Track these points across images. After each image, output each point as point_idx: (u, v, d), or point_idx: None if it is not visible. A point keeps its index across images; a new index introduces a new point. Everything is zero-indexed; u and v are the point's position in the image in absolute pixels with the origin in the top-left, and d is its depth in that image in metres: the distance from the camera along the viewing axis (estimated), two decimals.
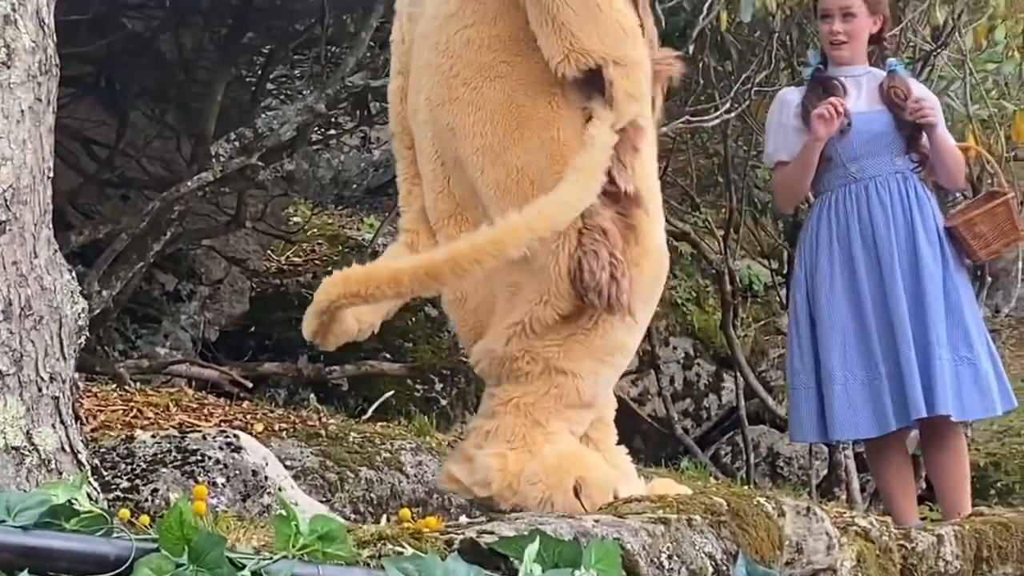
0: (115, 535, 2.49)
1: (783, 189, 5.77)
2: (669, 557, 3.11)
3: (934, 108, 5.51)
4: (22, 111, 3.62)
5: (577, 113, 3.70)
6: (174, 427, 5.29)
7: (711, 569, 3.22)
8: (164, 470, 4.32)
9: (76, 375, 3.86)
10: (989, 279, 10.15)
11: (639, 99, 3.65)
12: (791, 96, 5.66)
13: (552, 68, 3.63)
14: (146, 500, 4.18)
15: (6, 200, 3.56)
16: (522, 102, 3.72)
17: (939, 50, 8.44)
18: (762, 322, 11.08)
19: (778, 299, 10.30)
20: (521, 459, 3.65)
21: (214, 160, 6.61)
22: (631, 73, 3.61)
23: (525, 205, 3.59)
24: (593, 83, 3.65)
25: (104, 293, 6.14)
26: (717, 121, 7.84)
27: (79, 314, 3.88)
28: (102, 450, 4.59)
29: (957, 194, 7.66)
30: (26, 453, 3.53)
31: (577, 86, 3.67)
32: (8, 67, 3.56)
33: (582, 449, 3.83)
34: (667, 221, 8.94)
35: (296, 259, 9.62)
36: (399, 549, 2.65)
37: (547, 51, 3.62)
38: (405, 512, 3.00)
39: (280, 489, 4.28)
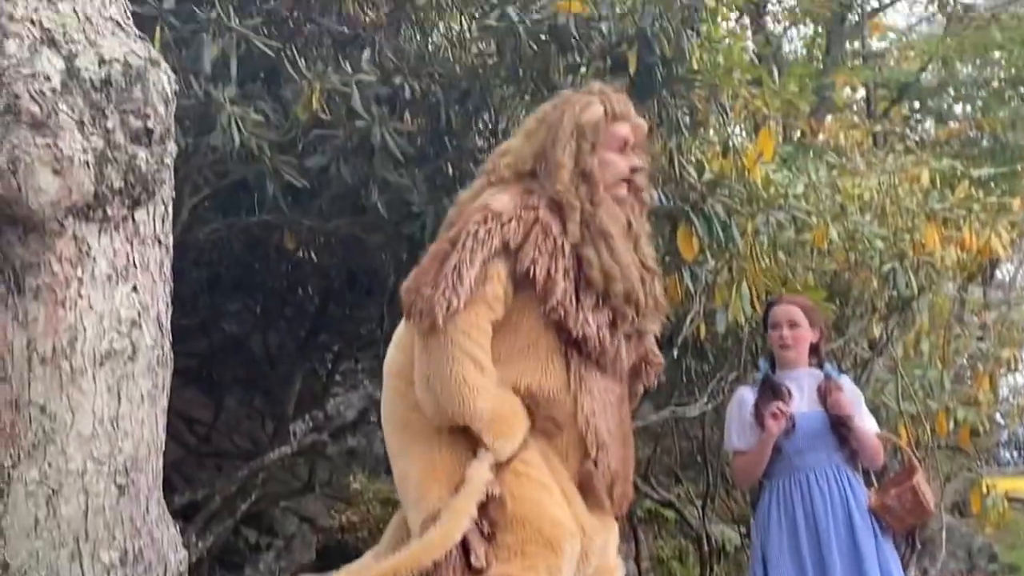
0: None
1: (742, 474, 5.75)
2: None
3: (851, 403, 5.52)
4: (142, 396, 3.66)
5: (460, 440, 3.51)
6: None
7: None
8: None
9: None
10: (919, 545, 10.02)
11: (509, 435, 3.42)
12: (747, 396, 5.67)
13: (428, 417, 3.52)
14: None
15: (127, 467, 3.58)
16: (415, 422, 3.59)
17: (875, 358, 8.49)
18: None
19: (745, 558, 10.15)
20: None
21: (292, 437, 6.64)
22: (488, 426, 3.41)
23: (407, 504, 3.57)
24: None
25: (200, 544, 6.09)
26: (697, 412, 7.84)
27: (180, 561, 3.86)
28: None
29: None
30: None
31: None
32: (133, 361, 3.61)
33: None
34: (656, 492, 8.99)
35: (355, 519, 9.51)
36: None
37: (417, 393, 3.52)
38: None
39: None
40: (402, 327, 3.76)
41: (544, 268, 3.48)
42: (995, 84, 16.79)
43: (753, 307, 6.40)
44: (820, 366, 5.78)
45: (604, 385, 3.64)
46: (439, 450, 3.53)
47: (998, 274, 16.14)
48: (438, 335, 3.39)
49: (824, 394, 5.60)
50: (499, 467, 3.45)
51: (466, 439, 3.49)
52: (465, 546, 3.39)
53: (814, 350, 5.77)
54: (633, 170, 3.75)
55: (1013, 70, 15.85)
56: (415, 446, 3.61)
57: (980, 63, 16.75)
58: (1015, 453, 27.71)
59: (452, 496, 3.42)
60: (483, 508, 3.41)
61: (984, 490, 9.40)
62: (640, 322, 3.73)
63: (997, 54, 16.17)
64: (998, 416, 12.92)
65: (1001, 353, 9.15)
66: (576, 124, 3.67)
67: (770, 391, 5.63)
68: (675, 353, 7.35)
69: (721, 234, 6.07)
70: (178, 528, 3.92)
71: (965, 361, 9.59)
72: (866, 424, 5.65)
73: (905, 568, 6.03)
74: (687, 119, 6.02)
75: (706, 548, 9.10)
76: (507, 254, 3.48)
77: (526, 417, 3.49)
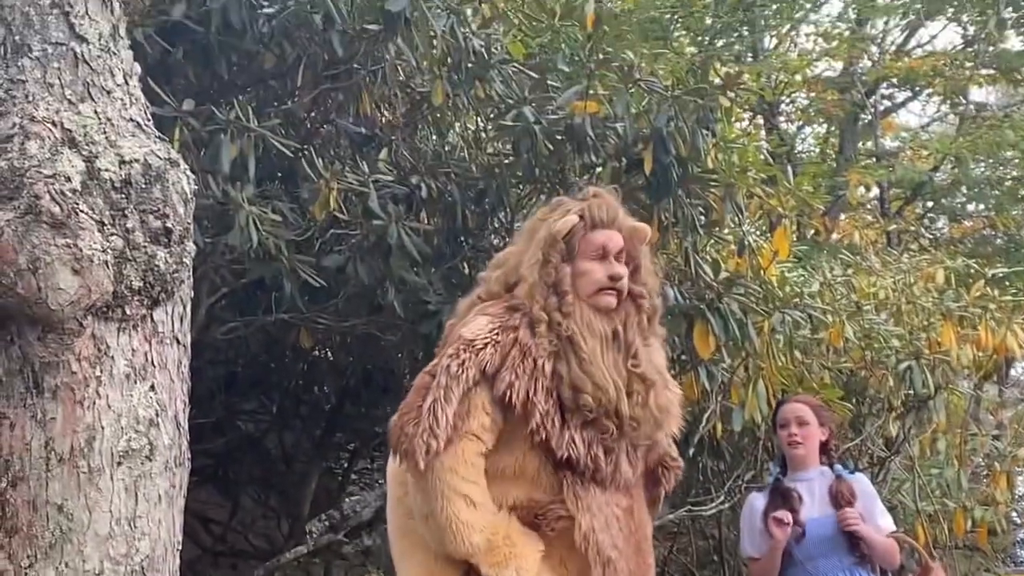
0: None
1: None
2: None
3: (859, 515, 5.44)
4: (159, 495, 3.64)
5: None
6: None
7: None
8: None
9: None
10: None
11: (504, 564, 3.31)
12: (757, 502, 5.62)
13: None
14: None
15: (143, 567, 3.55)
16: (414, 531, 3.54)
17: (892, 457, 8.45)
18: None
19: None
20: None
21: (308, 536, 6.58)
22: (483, 558, 3.32)
23: None
24: None
25: None
26: (713, 511, 7.79)
27: None
28: None
29: None
30: None
31: None
32: (151, 460, 3.60)
33: None
34: None
35: None
36: None
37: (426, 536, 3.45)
38: None
39: None
40: None
41: (522, 391, 3.37)
42: (1008, 183, 16.84)
43: (769, 405, 6.38)
44: (831, 466, 5.74)
45: (605, 499, 3.51)
46: (436, 560, 3.47)
47: (1013, 372, 16.06)
48: (425, 475, 3.32)
49: (835, 495, 5.56)
50: None
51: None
52: None
53: (824, 449, 5.73)
54: (612, 277, 3.58)
55: None
56: (414, 554, 3.57)
57: (993, 162, 16.81)
58: None
59: None
60: None
61: None
62: (632, 436, 3.54)
63: (1010, 153, 16.22)
64: (1015, 515, 12.82)
65: (1018, 452, 9.10)
66: (547, 235, 3.58)
67: (780, 497, 5.57)
68: (691, 452, 7.33)
69: (737, 332, 6.07)
70: None
71: (982, 460, 9.53)
72: (880, 524, 5.59)
73: None
74: (702, 218, 6.04)
75: None
76: (487, 381, 3.38)
77: (524, 538, 3.41)
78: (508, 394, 3.35)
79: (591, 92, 5.49)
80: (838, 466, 5.75)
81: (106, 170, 3.43)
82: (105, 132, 3.48)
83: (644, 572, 3.65)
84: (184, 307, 3.79)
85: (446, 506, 3.31)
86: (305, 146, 5.59)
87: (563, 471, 3.43)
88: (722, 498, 7.74)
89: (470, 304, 3.69)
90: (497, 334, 3.41)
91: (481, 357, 3.36)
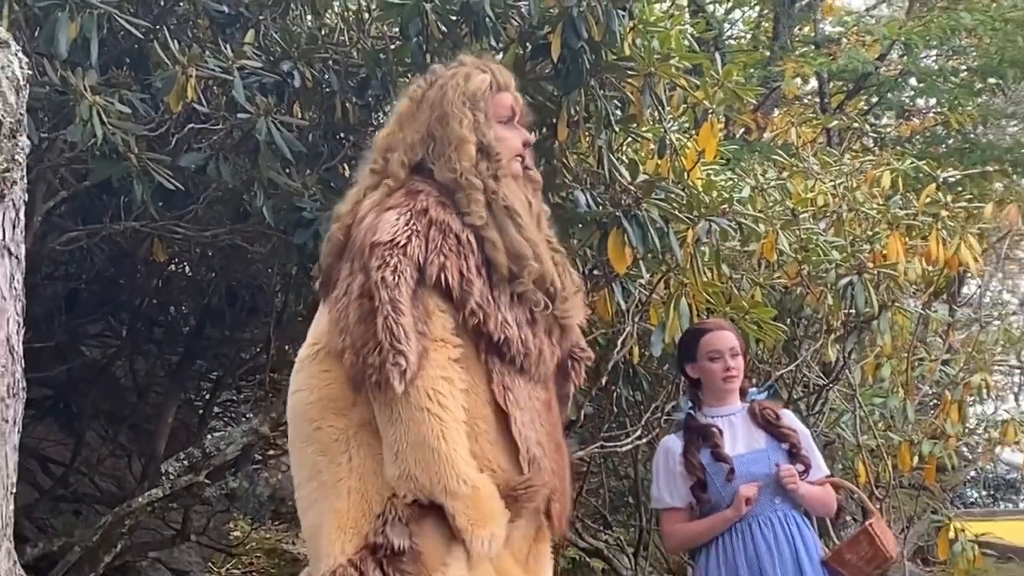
0: None
1: (678, 541, 5.74)
2: None
3: (796, 476, 5.55)
4: None
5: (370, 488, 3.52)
6: None
7: None
8: None
9: None
10: None
11: (487, 523, 3.41)
12: (674, 445, 5.69)
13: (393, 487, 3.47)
14: None
15: None
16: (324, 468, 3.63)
17: (831, 385, 8.58)
18: None
19: None
20: None
21: (164, 477, 6.58)
22: (464, 507, 3.39)
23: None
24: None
25: None
26: (629, 447, 7.87)
27: None
28: None
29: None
30: None
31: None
32: None
33: None
34: (580, 538, 9.02)
35: (235, 571, 9.49)
36: None
37: (386, 470, 3.48)
38: None
39: None
40: (305, 349, 3.76)
41: (456, 270, 3.49)
42: (963, 74, 17.02)
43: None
44: (743, 395, 5.83)
45: (529, 392, 3.64)
46: (353, 505, 3.52)
47: (967, 289, 16.35)
48: (403, 402, 3.38)
49: (762, 418, 5.65)
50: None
51: (376, 490, 3.48)
52: None
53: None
54: (525, 144, 3.80)
55: (984, 59, 16.07)
56: (326, 500, 3.60)
57: (946, 50, 16.97)
58: (983, 492, 28.17)
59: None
60: None
61: (952, 534, 9.51)
62: (560, 309, 3.71)
63: (965, 40, 16.39)
64: (966, 450, 13.09)
65: (971, 379, 9.27)
66: (464, 95, 3.71)
67: (698, 435, 5.65)
68: (604, 381, 7.39)
69: (657, 243, 6.11)
70: None
71: (930, 388, 9.72)
72: (815, 470, 5.71)
73: None
74: (618, 113, 6.06)
75: None
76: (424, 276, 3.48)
77: (500, 502, 3.48)
78: (443, 278, 3.45)
79: None
80: (752, 391, 5.85)
81: None
82: None
83: (563, 471, 3.80)
84: (16, 212, 3.75)
85: (426, 434, 3.37)
86: (158, 26, 5.51)
87: (491, 358, 3.54)
88: (639, 432, 7.80)
89: (372, 191, 3.73)
90: (413, 223, 3.49)
91: (411, 253, 3.44)
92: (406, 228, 3.49)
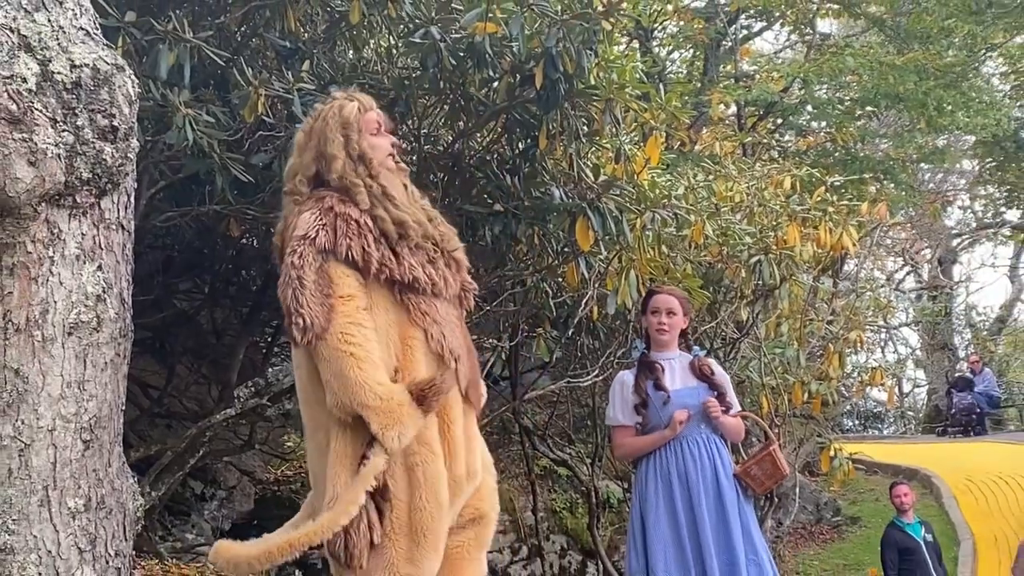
0: None
1: (625, 452, 5.79)
2: None
3: (719, 408, 5.59)
4: (106, 362, 3.63)
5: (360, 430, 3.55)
6: None
7: None
8: None
9: (133, 552, 3.79)
10: (776, 500, 10.20)
11: (395, 424, 3.44)
12: (627, 377, 5.75)
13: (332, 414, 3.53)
14: None
15: (91, 425, 3.55)
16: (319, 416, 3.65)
17: (742, 338, 8.61)
18: (616, 526, 11.04)
19: (627, 510, 10.25)
20: None
21: (236, 400, 6.58)
22: (377, 413, 3.43)
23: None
24: None
25: (153, 494, 6.03)
26: (589, 383, 7.90)
27: (138, 508, 3.83)
28: None
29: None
30: None
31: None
32: (98, 331, 3.58)
33: None
34: (551, 452, 9.03)
35: (288, 473, 9.48)
36: None
37: (327, 401, 3.54)
38: None
39: None
40: None
41: (359, 247, 3.58)
42: (847, 103, 17.04)
43: (639, 292, 6.46)
44: (688, 349, 5.88)
45: (443, 310, 3.73)
46: (341, 439, 3.55)
47: (846, 267, 16.40)
48: (320, 346, 3.47)
49: (698, 369, 5.70)
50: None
51: (365, 430, 3.50)
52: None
53: (682, 335, 5.87)
54: (394, 145, 3.94)
55: (863, 92, 16.08)
56: (316, 434, 3.66)
57: (834, 84, 16.98)
58: (856, 421, 28.32)
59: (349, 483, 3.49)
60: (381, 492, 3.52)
61: (832, 453, 9.57)
62: (448, 247, 3.83)
63: (849, 77, 16.40)
64: (843, 389, 13.14)
65: (848, 335, 9.31)
66: (339, 121, 3.85)
67: (646, 368, 5.71)
68: (571, 332, 7.41)
69: (613, 228, 6.12)
70: (135, 479, 3.89)
71: (818, 341, 9.75)
72: (733, 408, 5.75)
73: (762, 521, 6.16)
74: (585, 128, 6.05)
75: (594, 501, 9.17)
76: (332, 255, 3.58)
77: (412, 409, 3.50)
78: (349, 254, 3.55)
79: (490, 15, 5.44)
80: (696, 348, 5.90)
81: (59, 73, 3.36)
82: (58, 39, 3.41)
83: (476, 373, 3.91)
84: (128, 197, 3.76)
85: (342, 367, 3.43)
86: (236, 56, 5.49)
87: (406, 296, 3.64)
88: (596, 372, 7.85)
89: (289, 210, 3.82)
90: (321, 218, 3.61)
91: (318, 243, 3.56)
92: (316, 223, 3.60)
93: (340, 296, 3.53)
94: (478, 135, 6.48)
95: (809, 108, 17.58)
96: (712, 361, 5.93)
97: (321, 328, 3.46)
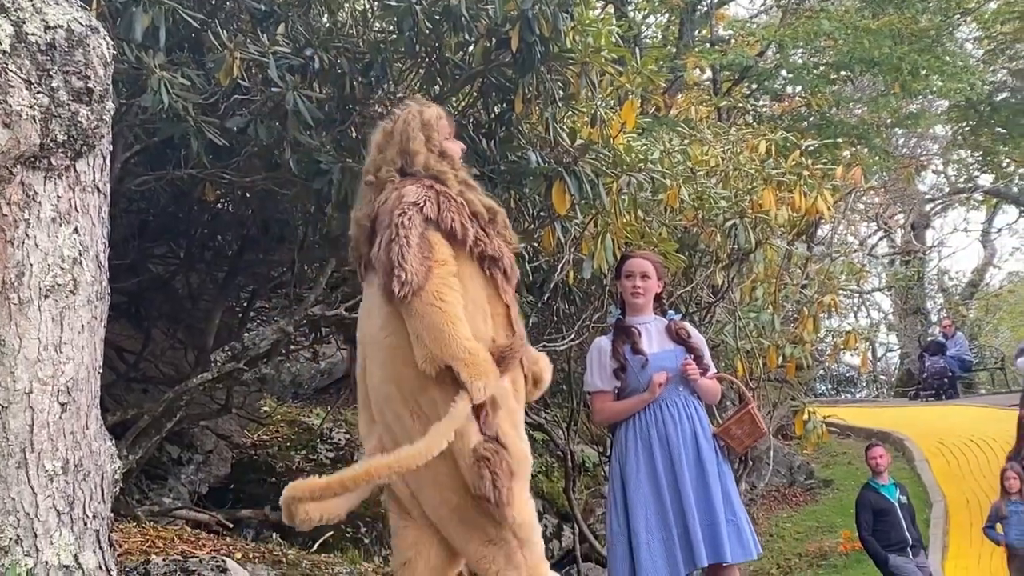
0: None
1: (604, 417, 5.79)
2: None
3: (697, 370, 5.62)
4: (82, 325, 3.63)
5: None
6: (178, 555, 5.21)
7: None
8: None
9: (111, 515, 3.80)
10: (750, 463, 10.27)
11: (482, 376, 3.77)
12: (605, 343, 5.76)
13: (420, 367, 3.80)
14: None
15: (69, 388, 3.55)
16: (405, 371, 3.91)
17: (718, 302, 8.64)
18: (591, 489, 11.12)
19: (603, 474, 10.34)
20: None
21: (212, 365, 6.58)
22: (467, 365, 3.75)
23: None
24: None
25: (130, 457, 6.04)
26: (565, 347, 7.92)
27: (115, 471, 3.84)
28: (126, 569, 4.51)
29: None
30: (73, 571, 3.48)
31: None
32: (75, 294, 3.58)
33: None
34: (527, 416, 9.06)
35: (265, 437, 9.51)
36: None
37: (415, 356, 3.82)
38: None
39: None
40: (370, 303, 4.11)
41: (459, 221, 3.96)
42: (822, 67, 17.04)
43: (615, 256, 6.46)
44: (663, 313, 5.88)
45: (511, 293, 4.13)
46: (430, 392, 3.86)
47: (821, 232, 16.46)
48: (415, 303, 3.78)
49: (675, 333, 5.71)
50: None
51: (453, 387, 3.79)
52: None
53: (657, 299, 5.87)
54: (463, 150, 4.35)
55: (838, 56, 16.09)
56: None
57: (810, 49, 16.99)
58: (829, 385, 28.47)
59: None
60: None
61: (806, 416, 9.62)
62: (505, 233, 4.17)
63: (824, 42, 16.40)
64: (817, 353, 13.21)
65: (823, 299, 9.34)
66: (419, 123, 4.21)
67: (623, 333, 5.72)
68: (547, 296, 7.42)
69: (589, 192, 6.13)
70: (112, 442, 3.89)
71: (792, 306, 9.79)
72: (710, 371, 5.77)
73: (738, 482, 6.19)
74: (561, 92, 6.05)
75: (570, 465, 9.22)
76: (433, 224, 3.94)
77: (494, 366, 3.85)
78: (452, 226, 3.95)
79: None
80: (671, 312, 5.91)
81: (33, 34, 3.34)
82: (32, 0, 3.39)
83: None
84: (103, 159, 3.74)
85: (436, 320, 3.78)
86: (211, 19, 5.46)
87: (495, 273, 4.05)
88: (572, 336, 7.85)
89: (374, 193, 4.15)
90: (426, 192, 3.99)
91: (425, 211, 3.93)
92: (423, 195, 3.96)
93: (437, 260, 3.87)
94: (454, 99, 6.47)
95: (784, 72, 17.60)
96: (688, 324, 5.94)
97: (418, 285, 3.78)
